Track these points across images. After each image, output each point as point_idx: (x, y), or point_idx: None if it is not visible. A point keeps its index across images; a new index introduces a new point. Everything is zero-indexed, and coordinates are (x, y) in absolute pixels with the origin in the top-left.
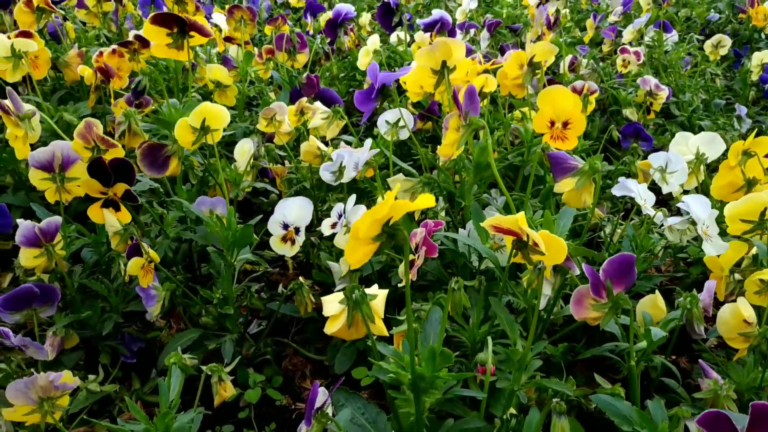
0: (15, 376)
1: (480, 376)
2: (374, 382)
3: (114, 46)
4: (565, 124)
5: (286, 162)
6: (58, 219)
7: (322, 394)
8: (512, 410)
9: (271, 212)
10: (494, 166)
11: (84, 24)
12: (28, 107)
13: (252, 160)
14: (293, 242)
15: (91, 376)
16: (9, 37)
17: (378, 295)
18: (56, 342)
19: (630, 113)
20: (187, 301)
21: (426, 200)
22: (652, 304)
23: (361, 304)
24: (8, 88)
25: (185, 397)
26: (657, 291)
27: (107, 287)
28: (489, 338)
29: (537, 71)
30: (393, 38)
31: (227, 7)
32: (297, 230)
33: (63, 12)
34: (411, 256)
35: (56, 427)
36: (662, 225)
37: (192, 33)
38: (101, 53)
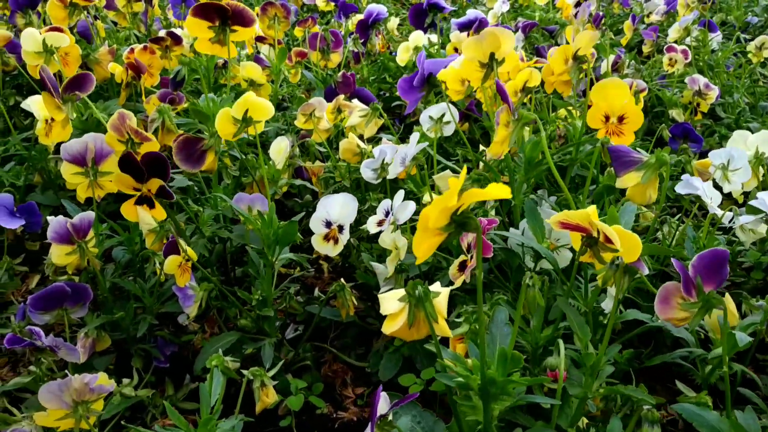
0: (45, 379)
1: (548, 383)
2: (421, 391)
3: (146, 43)
4: (621, 119)
5: (319, 162)
6: (90, 214)
7: (384, 402)
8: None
9: (306, 214)
10: (550, 159)
11: (115, 24)
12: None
13: (288, 158)
14: (336, 241)
15: (125, 380)
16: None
17: (441, 293)
18: (88, 344)
19: (676, 114)
20: (222, 303)
21: (499, 190)
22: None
23: (425, 301)
24: (46, 70)
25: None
26: (727, 294)
27: (141, 287)
28: (560, 341)
29: (583, 65)
30: (424, 40)
31: (260, 4)
32: (340, 228)
33: (95, 10)
34: (463, 257)
35: None
36: (730, 224)
37: (235, 27)
38: (132, 50)
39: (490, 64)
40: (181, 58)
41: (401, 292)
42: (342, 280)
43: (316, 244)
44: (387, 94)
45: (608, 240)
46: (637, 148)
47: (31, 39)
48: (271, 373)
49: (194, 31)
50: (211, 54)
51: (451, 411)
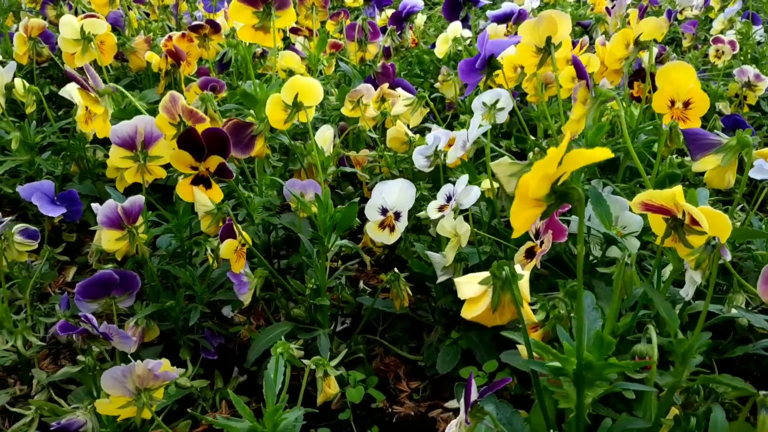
0: (98, 370)
1: (631, 372)
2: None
3: (184, 31)
4: (686, 104)
5: (364, 151)
6: (141, 199)
7: (475, 390)
8: (674, 410)
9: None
10: (630, 146)
11: (147, 15)
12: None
13: (332, 147)
14: (392, 229)
15: (180, 370)
16: None
17: (523, 276)
18: (138, 333)
19: (723, 107)
20: (270, 294)
21: (603, 151)
22: None
23: (513, 283)
24: (86, 62)
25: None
26: None
27: (191, 275)
28: (651, 327)
29: (643, 51)
30: (463, 31)
31: None
32: (397, 216)
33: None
34: (530, 243)
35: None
36: None
37: (279, 13)
38: (170, 38)
39: (547, 48)
40: (229, 41)
41: (482, 275)
42: (396, 269)
43: (371, 232)
44: (419, 89)
45: (694, 222)
46: (716, 131)
47: (69, 26)
48: (335, 362)
49: (238, 17)
50: (254, 42)
51: (519, 404)
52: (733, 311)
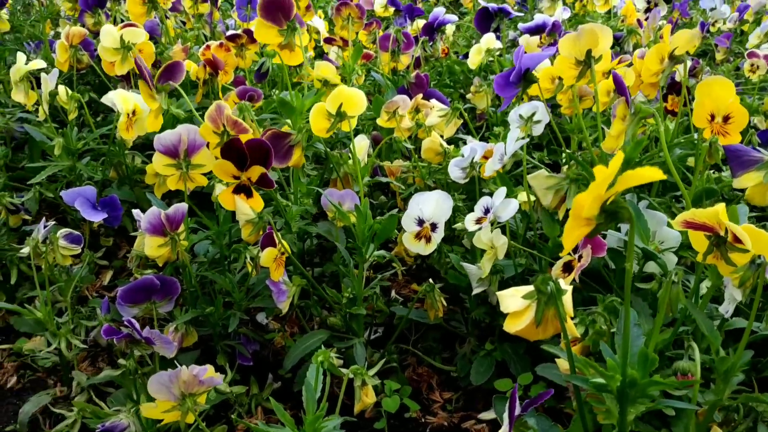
0: (136, 374)
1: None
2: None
3: (221, 41)
4: (726, 119)
5: (398, 161)
6: (184, 206)
7: (518, 404)
8: (715, 428)
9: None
10: (669, 160)
11: (183, 24)
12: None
13: (367, 157)
14: (429, 240)
15: (219, 375)
16: None
17: (567, 291)
18: (177, 338)
19: (759, 121)
20: (305, 302)
21: (653, 171)
22: None
23: (557, 298)
24: (142, 62)
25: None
26: None
27: (231, 281)
28: (694, 345)
29: (678, 65)
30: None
31: (334, 5)
32: (433, 227)
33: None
34: (568, 257)
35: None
36: None
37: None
38: (208, 47)
39: (587, 61)
40: (266, 51)
41: (525, 288)
42: (430, 280)
43: (407, 243)
44: (449, 99)
45: (737, 240)
46: (757, 148)
47: (109, 35)
48: (373, 371)
49: (263, 38)
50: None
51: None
52: None
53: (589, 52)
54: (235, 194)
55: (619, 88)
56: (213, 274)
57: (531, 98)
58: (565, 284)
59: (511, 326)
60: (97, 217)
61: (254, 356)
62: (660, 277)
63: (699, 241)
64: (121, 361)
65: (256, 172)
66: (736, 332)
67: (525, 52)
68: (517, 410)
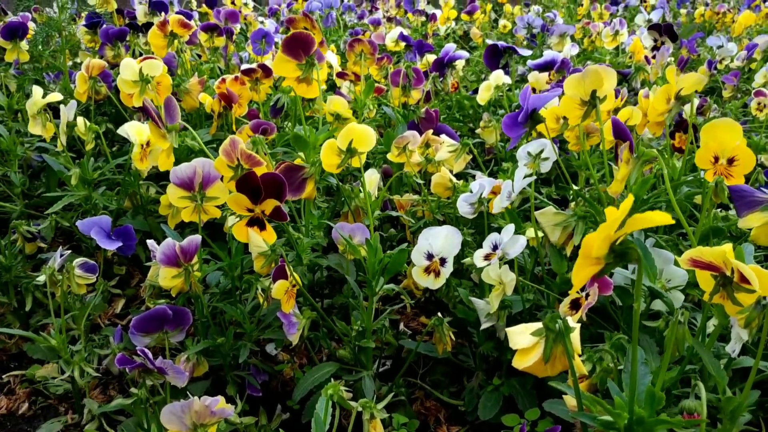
0: (147, 404)
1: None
2: None
3: (237, 74)
4: (731, 161)
5: (408, 195)
6: (198, 238)
7: None
8: None
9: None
10: (674, 200)
11: (199, 56)
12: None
13: (383, 192)
14: (438, 274)
15: (229, 406)
16: None
17: (575, 328)
18: (188, 368)
19: (766, 159)
20: (315, 334)
21: (662, 216)
22: None
23: (565, 336)
24: (170, 96)
25: None
26: None
27: (242, 312)
28: (700, 384)
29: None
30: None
31: (347, 40)
32: (443, 261)
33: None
34: (576, 295)
35: None
36: None
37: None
38: (224, 80)
39: (592, 101)
40: (282, 86)
41: (534, 326)
42: (438, 314)
43: (416, 277)
44: (459, 133)
45: (743, 280)
46: (762, 188)
47: (129, 68)
48: (382, 404)
49: (282, 71)
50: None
51: None
52: None
53: (594, 92)
54: (248, 227)
55: (621, 133)
56: (224, 305)
57: (540, 135)
58: (573, 322)
59: (519, 363)
60: (111, 246)
61: (263, 387)
62: (666, 316)
63: (705, 280)
64: (133, 389)
65: (270, 205)
66: (744, 371)
67: (532, 93)
68: None
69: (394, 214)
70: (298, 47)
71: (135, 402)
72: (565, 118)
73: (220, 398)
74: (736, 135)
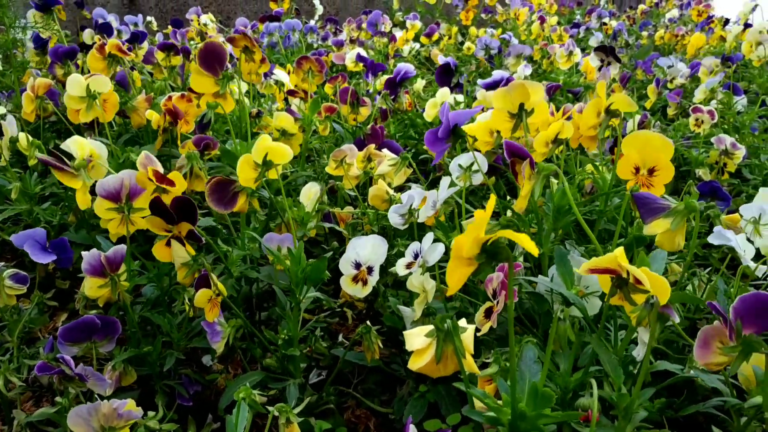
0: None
1: (576, 425)
2: None
3: (183, 92)
4: (651, 171)
5: (348, 208)
6: (123, 248)
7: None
8: None
9: (333, 257)
10: (575, 206)
11: (151, 75)
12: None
13: (317, 203)
14: (365, 282)
15: (151, 413)
16: None
17: (468, 329)
18: (114, 377)
19: (703, 173)
20: (248, 344)
21: (529, 243)
22: (760, 362)
23: (454, 335)
24: (47, 158)
25: None
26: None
27: (170, 322)
28: (593, 381)
29: (614, 119)
30: (450, 98)
31: (295, 59)
32: (370, 270)
33: (133, 60)
34: (489, 303)
35: None
36: (764, 279)
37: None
38: (170, 97)
39: (519, 114)
40: (209, 102)
41: (428, 327)
42: (368, 322)
43: (344, 285)
44: (413, 150)
45: (638, 281)
46: (664, 196)
47: (76, 84)
48: (298, 409)
49: (199, 87)
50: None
51: None
52: (692, 372)
53: (521, 105)
54: (173, 239)
55: (518, 152)
56: (152, 315)
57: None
58: (484, 329)
59: (414, 363)
60: (46, 259)
61: (197, 397)
62: (575, 318)
63: (607, 282)
64: (58, 398)
65: (184, 227)
66: (663, 374)
67: (481, 111)
68: None
69: (327, 225)
70: (214, 61)
71: (59, 411)
72: (498, 132)
73: (129, 401)
74: (657, 145)
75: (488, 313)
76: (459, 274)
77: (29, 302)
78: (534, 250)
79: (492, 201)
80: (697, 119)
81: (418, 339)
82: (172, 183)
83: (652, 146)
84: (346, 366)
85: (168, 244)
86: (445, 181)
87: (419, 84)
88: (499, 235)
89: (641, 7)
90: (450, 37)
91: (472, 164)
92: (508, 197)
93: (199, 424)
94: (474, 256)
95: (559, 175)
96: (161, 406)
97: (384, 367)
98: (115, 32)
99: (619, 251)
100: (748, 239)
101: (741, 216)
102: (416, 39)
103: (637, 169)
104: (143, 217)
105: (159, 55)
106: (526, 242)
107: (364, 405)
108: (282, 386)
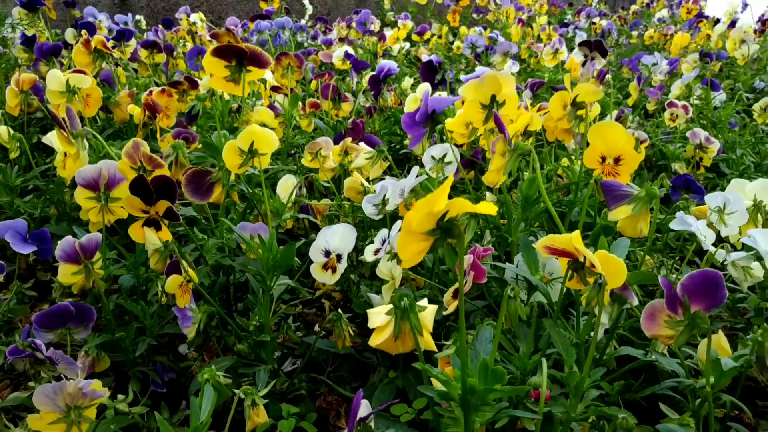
0: None
1: (530, 404)
2: (413, 420)
3: (163, 87)
4: (617, 160)
5: (325, 200)
6: (98, 236)
7: (365, 406)
8: None
9: (306, 245)
10: (545, 195)
11: (136, 71)
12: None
13: (294, 195)
14: (334, 270)
15: (121, 396)
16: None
17: (427, 308)
18: (87, 363)
19: (679, 167)
20: (222, 332)
21: (487, 207)
22: (716, 345)
23: (410, 312)
24: (67, 105)
25: (214, 425)
26: (720, 331)
27: (143, 309)
28: (543, 360)
29: (580, 111)
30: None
31: (275, 54)
32: (339, 257)
33: (119, 56)
34: (457, 285)
35: None
36: (724, 263)
37: (250, 67)
38: (151, 92)
39: (491, 105)
40: (198, 95)
41: (389, 306)
42: (339, 310)
43: (315, 273)
44: (397, 146)
45: (593, 265)
46: (629, 183)
47: (55, 79)
48: (264, 391)
49: (212, 69)
50: (224, 91)
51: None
52: (654, 356)
53: (493, 96)
54: (144, 227)
55: (499, 127)
56: (126, 302)
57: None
58: (451, 309)
59: (374, 340)
60: (26, 250)
61: (172, 384)
62: (532, 303)
63: (566, 267)
64: (31, 383)
65: (162, 206)
66: (628, 360)
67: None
68: (362, 414)
69: (301, 216)
70: (230, 52)
71: (32, 395)
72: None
73: (95, 381)
74: (621, 135)
75: (456, 294)
76: (412, 250)
77: (9, 292)
78: (492, 211)
79: (449, 180)
80: (672, 114)
81: (378, 317)
82: (161, 165)
83: (617, 136)
84: (321, 354)
85: (145, 224)
86: (414, 169)
87: (407, 82)
88: (455, 205)
89: (633, 7)
90: (441, 37)
91: (445, 155)
92: (485, 191)
93: (172, 411)
94: (427, 231)
95: (532, 155)
96: (131, 391)
97: (356, 354)
98: (98, 30)
99: (575, 234)
100: (713, 227)
101: (707, 206)
102: (408, 39)
103: (603, 159)
104: (122, 207)
105: (142, 53)
106: (483, 208)
107: (335, 392)
108: (253, 371)
